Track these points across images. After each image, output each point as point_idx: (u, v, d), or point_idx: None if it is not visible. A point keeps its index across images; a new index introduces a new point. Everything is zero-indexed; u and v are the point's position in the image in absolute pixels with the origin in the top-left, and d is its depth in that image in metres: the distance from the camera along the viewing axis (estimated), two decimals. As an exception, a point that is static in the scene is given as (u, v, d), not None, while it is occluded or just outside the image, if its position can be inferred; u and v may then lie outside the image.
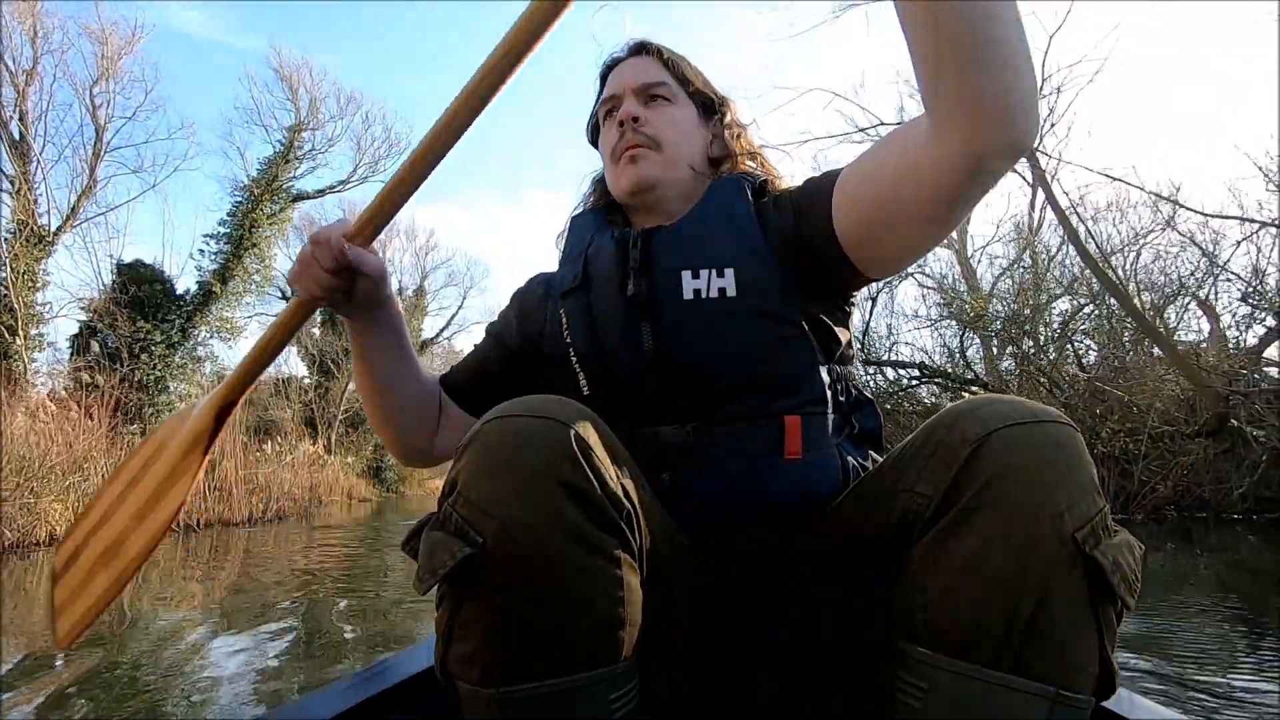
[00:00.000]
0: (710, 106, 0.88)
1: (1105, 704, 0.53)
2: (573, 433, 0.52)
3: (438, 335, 22.19)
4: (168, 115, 18.76)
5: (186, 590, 3.62)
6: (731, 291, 0.72)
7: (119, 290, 10.39)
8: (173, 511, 0.74)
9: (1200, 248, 7.53)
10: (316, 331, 18.41)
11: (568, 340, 0.79)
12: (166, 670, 2.12)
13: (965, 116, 0.55)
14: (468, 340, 22.95)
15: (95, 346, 9.98)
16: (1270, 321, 7.01)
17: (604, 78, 0.90)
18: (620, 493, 0.54)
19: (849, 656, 0.64)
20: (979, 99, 0.54)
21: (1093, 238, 7.76)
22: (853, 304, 0.80)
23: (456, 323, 22.56)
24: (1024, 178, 12.30)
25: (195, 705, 1.78)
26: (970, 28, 0.52)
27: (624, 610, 0.53)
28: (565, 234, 0.90)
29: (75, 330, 10.57)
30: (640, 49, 0.88)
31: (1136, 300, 7.50)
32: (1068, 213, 7.50)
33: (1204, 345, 8.13)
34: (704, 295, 0.73)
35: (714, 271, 0.73)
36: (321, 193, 14.22)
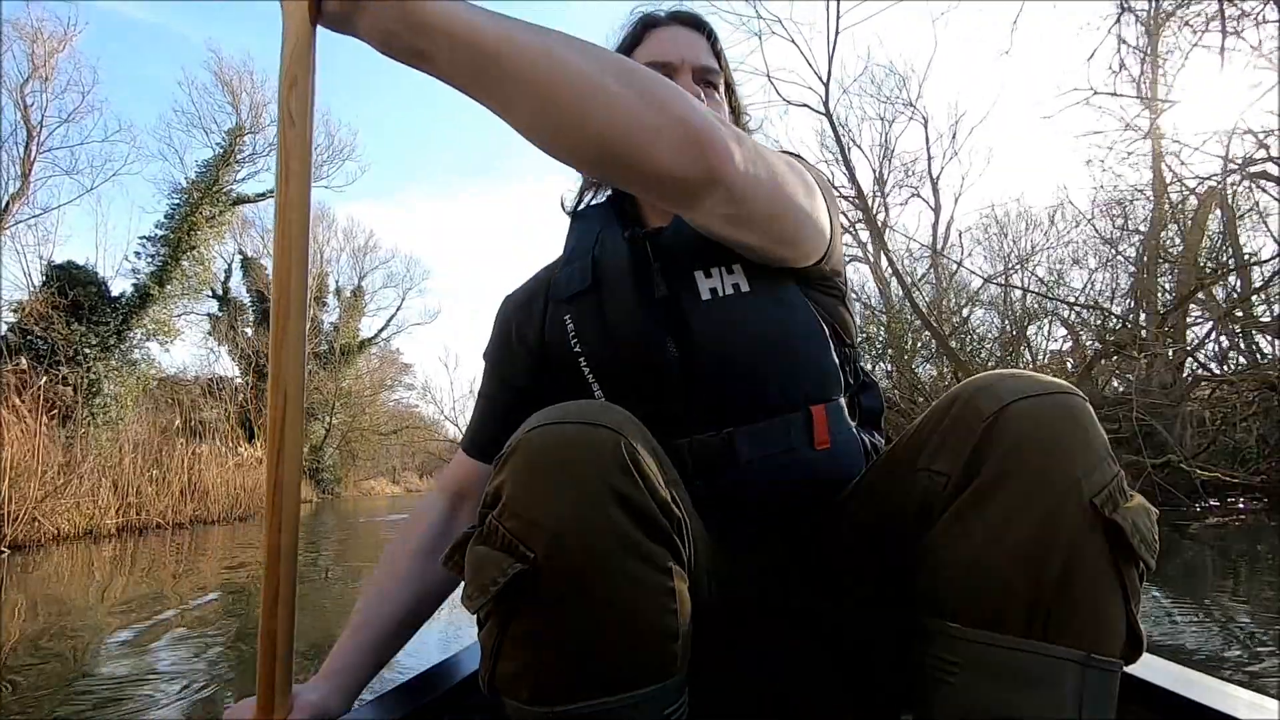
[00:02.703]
0: (734, 107, 0.87)
1: (1131, 669, 0.54)
2: (622, 439, 0.51)
3: (375, 336, 22.18)
4: (104, 118, 18.06)
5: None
6: (745, 287, 0.71)
7: (58, 294, 10.31)
8: None
9: (1043, 280, 9.03)
10: (250, 331, 18.23)
11: (577, 350, 0.75)
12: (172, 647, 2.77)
13: (655, 188, 0.57)
14: (406, 341, 23.05)
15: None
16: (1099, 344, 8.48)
17: (641, 32, 0.82)
18: (669, 500, 0.53)
19: (875, 638, 0.64)
20: (659, 175, 0.54)
21: (917, 288, 9.15)
22: (842, 286, 0.78)
23: (395, 323, 22.63)
24: (928, 203, 13.88)
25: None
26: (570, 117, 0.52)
27: (676, 622, 0.52)
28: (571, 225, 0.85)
29: (3, 332, 10.41)
30: (695, 23, 0.83)
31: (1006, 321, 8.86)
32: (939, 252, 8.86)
33: (1065, 356, 9.67)
34: (720, 293, 0.71)
35: (724, 269, 0.72)
36: (263, 196, 14.25)
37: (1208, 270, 6.80)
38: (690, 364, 0.71)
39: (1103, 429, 0.52)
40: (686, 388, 0.71)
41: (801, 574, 0.69)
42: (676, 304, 0.72)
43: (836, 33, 8.30)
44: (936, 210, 13.61)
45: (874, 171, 13.32)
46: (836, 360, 0.73)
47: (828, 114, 8.97)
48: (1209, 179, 6.07)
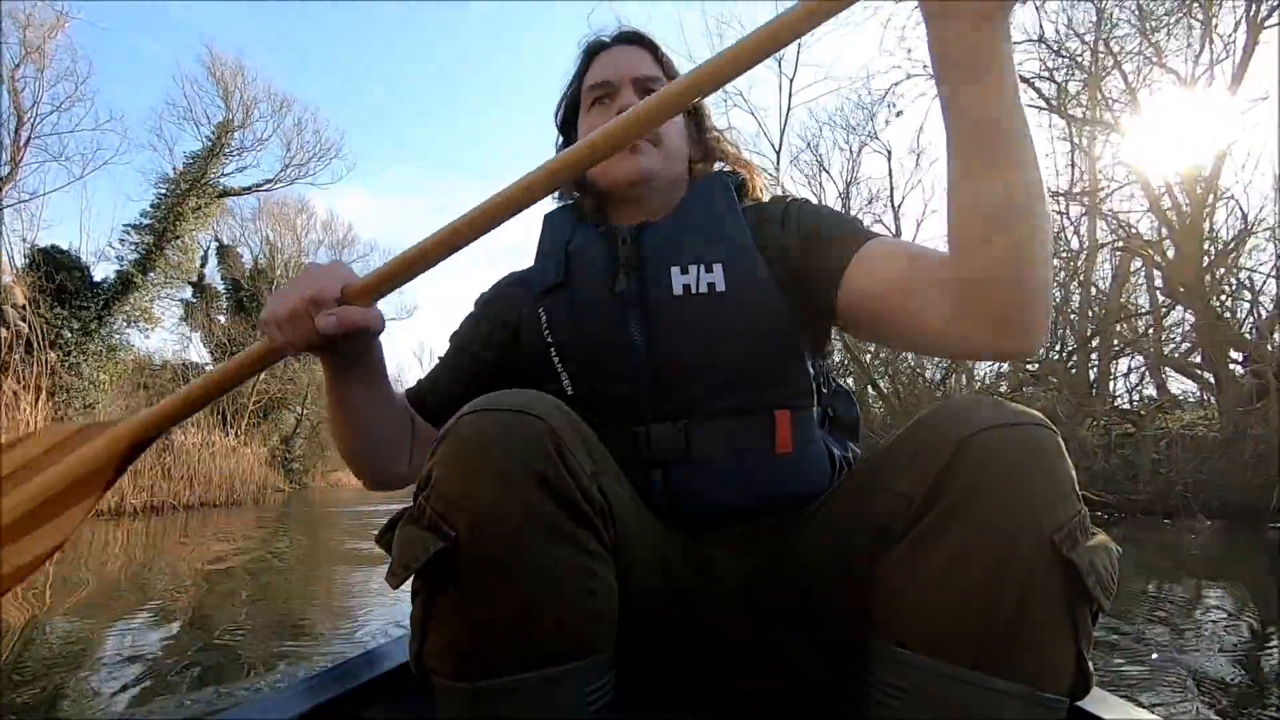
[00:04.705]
0: (692, 110, 0.88)
1: (1080, 704, 0.54)
2: (547, 426, 0.52)
3: (351, 329, 22.34)
4: (95, 107, 17.99)
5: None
6: (721, 287, 0.72)
7: (45, 278, 10.48)
8: (45, 551, 0.59)
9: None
10: (223, 318, 18.27)
11: (548, 339, 0.77)
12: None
13: (992, 331, 0.58)
14: (382, 336, 23.10)
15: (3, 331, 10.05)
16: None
17: (588, 60, 0.86)
18: (595, 487, 0.55)
19: (830, 654, 0.64)
20: (1011, 321, 0.57)
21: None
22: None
23: (371, 317, 22.75)
24: (889, 230, 14.76)
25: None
26: (1023, 263, 0.54)
27: (598, 603, 0.53)
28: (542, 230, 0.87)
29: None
30: (634, 39, 0.85)
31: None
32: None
33: (1002, 379, 10.60)
34: (693, 291, 0.73)
35: (703, 267, 0.73)
36: (248, 190, 14.53)
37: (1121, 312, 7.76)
38: (653, 355, 0.73)
39: (1070, 464, 0.51)
40: (649, 378, 0.73)
41: (760, 575, 0.69)
42: (645, 297, 0.74)
43: (788, 110, 9.80)
44: (897, 236, 14.48)
45: (840, 197, 14.20)
46: (812, 370, 0.75)
47: (777, 179, 10.28)
48: (1090, 247, 7.04)
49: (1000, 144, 0.54)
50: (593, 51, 0.86)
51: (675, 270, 0.74)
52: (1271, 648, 2.16)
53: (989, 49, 0.52)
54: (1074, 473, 0.52)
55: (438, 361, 0.88)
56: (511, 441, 0.51)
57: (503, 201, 0.58)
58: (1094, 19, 7.94)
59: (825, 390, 0.78)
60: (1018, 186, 0.54)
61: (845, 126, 13.83)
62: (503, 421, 0.52)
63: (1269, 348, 6.06)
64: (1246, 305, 6.58)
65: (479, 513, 0.50)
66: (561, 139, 0.91)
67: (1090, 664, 0.50)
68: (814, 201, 0.81)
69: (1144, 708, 0.69)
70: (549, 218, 0.88)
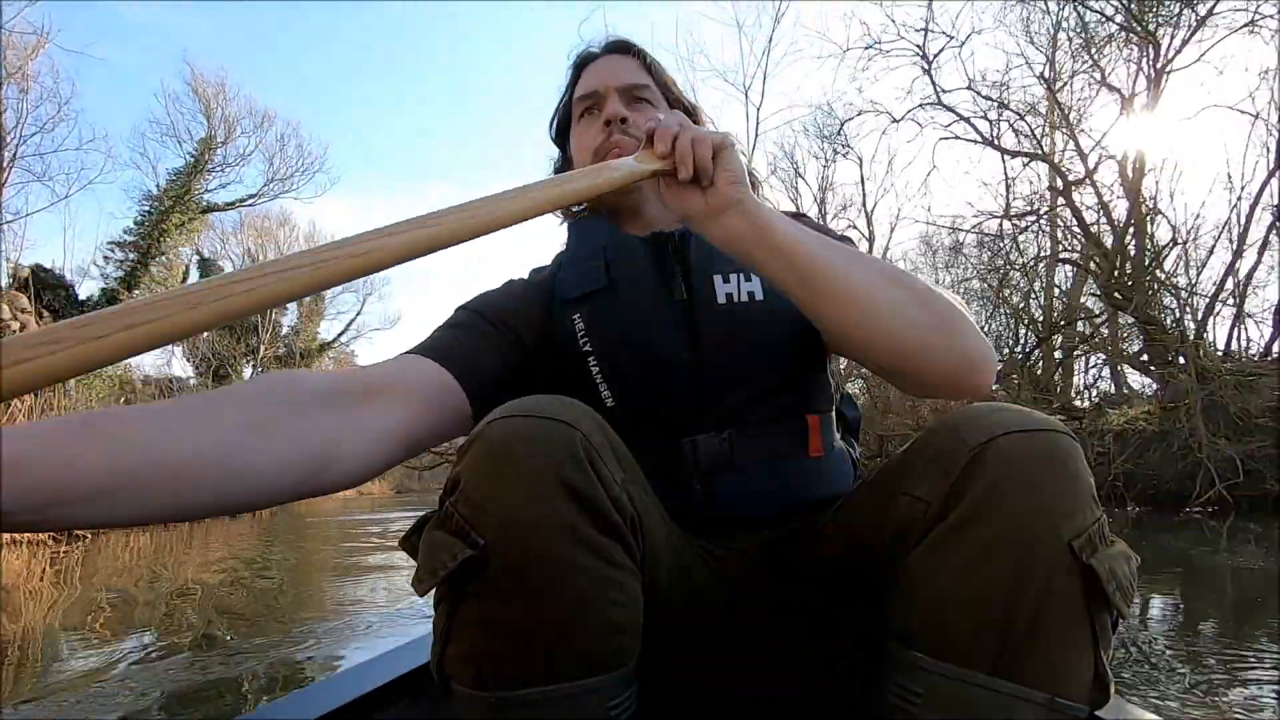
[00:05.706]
0: (686, 115, 0.83)
1: (1099, 713, 0.53)
2: (578, 435, 0.51)
3: (335, 339, 22.44)
4: (79, 127, 17.63)
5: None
6: (760, 295, 0.74)
7: (35, 299, 10.57)
8: None
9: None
10: (205, 333, 18.28)
11: (586, 349, 0.75)
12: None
13: (941, 389, 0.63)
14: (365, 345, 23.27)
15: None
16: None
17: (577, 72, 0.87)
18: (625, 497, 0.54)
19: (847, 658, 0.65)
20: (942, 385, 0.62)
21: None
22: None
23: (355, 328, 22.90)
24: (863, 234, 15.23)
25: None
26: (918, 343, 0.60)
27: (624, 615, 0.52)
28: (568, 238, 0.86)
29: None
30: (621, 48, 0.87)
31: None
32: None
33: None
34: (735, 299, 0.74)
35: (742, 275, 0.75)
36: (232, 205, 14.66)
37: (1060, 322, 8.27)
38: (699, 365, 0.73)
39: (1090, 471, 0.51)
40: (694, 388, 0.73)
41: (780, 581, 0.70)
42: (693, 305, 0.74)
43: (755, 136, 10.19)
44: (871, 241, 14.96)
45: (816, 203, 14.68)
46: (829, 374, 0.78)
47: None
48: (1050, 257, 7.55)
49: (819, 278, 0.60)
50: (581, 63, 0.88)
51: (718, 278, 0.75)
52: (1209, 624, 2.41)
53: (755, 226, 0.59)
54: (1093, 480, 0.51)
55: (452, 326, 0.75)
56: (543, 448, 0.50)
57: (414, 239, 0.49)
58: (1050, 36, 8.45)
59: (837, 394, 0.81)
60: (858, 297, 0.60)
61: (819, 136, 14.32)
62: (534, 427, 0.51)
63: (1193, 349, 6.55)
64: (1176, 311, 7.09)
65: (507, 520, 0.49)
66: (560, 154, 0.93)
67: (1110, 671, 0.50)
68: (811, 218, 0.83)
69: (1163, 716, 0.67)
70: (578, 224, 0.87)
